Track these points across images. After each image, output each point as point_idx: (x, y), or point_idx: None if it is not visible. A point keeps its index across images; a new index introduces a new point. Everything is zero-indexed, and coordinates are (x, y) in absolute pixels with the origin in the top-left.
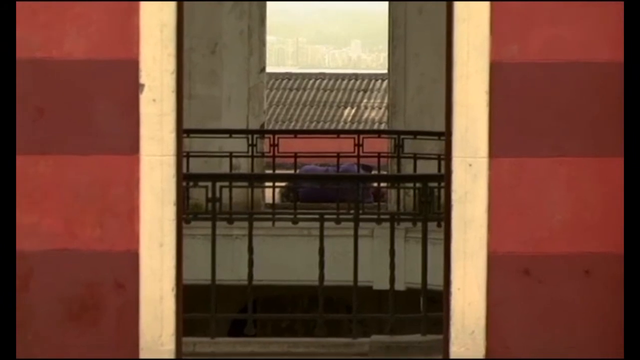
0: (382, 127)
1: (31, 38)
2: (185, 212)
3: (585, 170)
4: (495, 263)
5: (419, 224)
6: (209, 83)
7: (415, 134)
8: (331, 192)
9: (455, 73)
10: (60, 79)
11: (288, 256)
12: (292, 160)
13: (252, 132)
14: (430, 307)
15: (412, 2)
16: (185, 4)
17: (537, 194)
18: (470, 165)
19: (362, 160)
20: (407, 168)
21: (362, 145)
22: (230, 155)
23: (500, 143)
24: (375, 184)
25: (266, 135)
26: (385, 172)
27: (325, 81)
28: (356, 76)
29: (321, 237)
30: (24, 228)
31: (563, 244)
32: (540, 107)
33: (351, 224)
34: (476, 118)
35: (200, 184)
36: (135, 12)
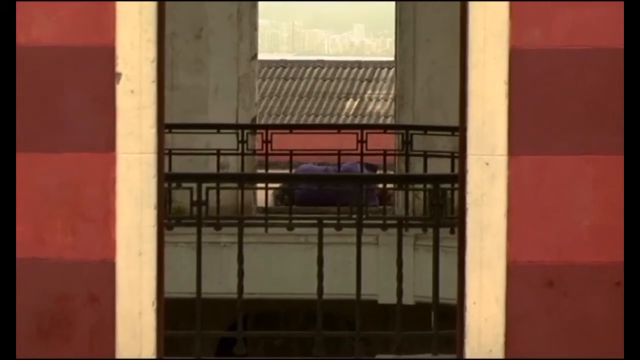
0: (389, 121)
1: None
2: (167, 217)
3: (615, 170)
4: (516, 274)
5: (430, 230)
6: (193, 72)
7: (425, 129)
8: (331, 195)
9: (471, 61)
10: (27, 68)
11: (283, 266)
12: (287, 158)
13: (243, 127)
14: (443, 323)
15: None
16: None
17: (562, 196)
18: (487, 164)
19: (366, 159)
20: (417, 167)
21: (365, 141)
22: (218, 153)
23: (521, 139)
24: (381, 185)
25: (258, 131)
26: (391, 172)
27: (324, 70)
28: (359, 64)
29: (320, 245)
30: None
31: (591, 252)
32: (566, 99)
33: (353, 230)
34: (494, 111)
35: (184, 185)
36: None
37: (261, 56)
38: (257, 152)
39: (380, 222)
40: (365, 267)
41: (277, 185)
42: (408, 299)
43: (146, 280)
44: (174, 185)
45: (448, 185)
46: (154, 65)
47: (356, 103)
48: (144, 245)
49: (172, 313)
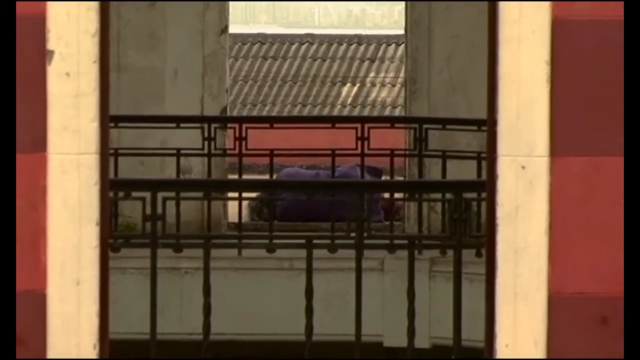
0: (397, 112)
1: None
2: (113, 236)
3: None
4: (560, 308)
5: (450, 253)
6: (146, 49)
7: (444, 122)
8: (323, 207)
9: (502, 35)
10: None
11: (261, 299)
12: (266, 160)
13: (209, 119)
14: None
15: None
16: None
17: (620, 209)
18: (523, 167)
19: (368, 161)
20: (433, 172)
21: (367, 138)
22: (178, 154)
23: (567, 135)
24: (387, 195)
25: (229, 125)
26: (400, 178)
27: (314, 46)
28: (359, 39)
29: (309, 272)
30: None
31: None
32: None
33: (352, 253)
34: (532, 99)
35: (134, 194)
36: None
37: (233, 29)
38: (229, 152)
39: (387, 241)
40: (368, 300)
41: (253, 194)
42: (422, 341)
43: (85, 316)
44: (121, 194)
45: (473, 195)
46: (96, 40)
47: (355, 89)
48: (82, 272)
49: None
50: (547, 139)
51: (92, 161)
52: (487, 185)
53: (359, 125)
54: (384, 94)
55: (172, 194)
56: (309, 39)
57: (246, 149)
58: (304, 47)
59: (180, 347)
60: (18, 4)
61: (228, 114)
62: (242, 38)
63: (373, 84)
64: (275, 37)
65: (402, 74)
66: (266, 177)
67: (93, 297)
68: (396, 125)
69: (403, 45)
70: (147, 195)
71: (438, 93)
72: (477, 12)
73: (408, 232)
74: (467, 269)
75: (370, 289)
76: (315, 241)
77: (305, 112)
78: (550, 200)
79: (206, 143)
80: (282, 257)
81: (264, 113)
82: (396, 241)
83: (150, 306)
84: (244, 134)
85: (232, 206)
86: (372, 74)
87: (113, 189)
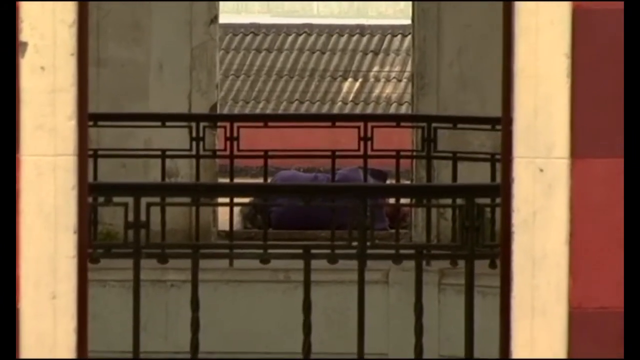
0: (403, 110)
1: None
2: (93, 245)
3: None
4: (581, 324)
5: (461, 264)
6: (129, 41)
7: (454, 121)
8: (322, 213)
9: (518, 26)
10: None
11: (254, 314)
12: (260, 162)
13: (198, 118)
14: None
15: None
16: None
17: None
18: (541, 170)
19: (371, 163)
20: (443, 175)
21: (371, 138)
22: (163, 155)
23: (589, 135)
24: (393, 200)
25: (220, 124)
26: (407, 182)
27: (312, 38)
28: (361, 29)
29: (307, 285)
30: None
31: None
32: None
33: (354, 264)
34: (551, 96)
35: (116, 199)
36: None
37: (224, 19)
38: (219, 153)
39: (392, 251)
40: (371, 316)
41: (246, 200)
42: None
43: (62, 333)
44: (101, 200)
45: (487, 201)
46: (74, 31)
47: (357, 84)
48: (59, 284)
49: None
50: (567, 139)
51: (69, 163)
52: (501, 190)
53: (361, 124)
54: (388, 89)
55: (157, 200)
56: (307, 29)
57: (238, 150)
58: (301, 38)
59: None
60: None
61: (218, 111)
62: (234, 29)
63: (377, 79)
64: (269, 28)
65: (408, 68)
66: (260, 180)
67: (70, 313)
68: (402, 124)
69: (410, 36)
70: (130, 200)
71: (448, 89)
72: (490, 2)
73: (415, 241)
74: (480, 281)
75: (374, 304)
76: (313, 251)
77: (302, 110)
78: (571, 206)
79: (194, 143)
80: (278, 269)
81: (258, 111)
82: (402, 251)
83: (133, 322)
84: (235, 134)
85: (223, 213)
86: (375, 68)
87: (92, 193)
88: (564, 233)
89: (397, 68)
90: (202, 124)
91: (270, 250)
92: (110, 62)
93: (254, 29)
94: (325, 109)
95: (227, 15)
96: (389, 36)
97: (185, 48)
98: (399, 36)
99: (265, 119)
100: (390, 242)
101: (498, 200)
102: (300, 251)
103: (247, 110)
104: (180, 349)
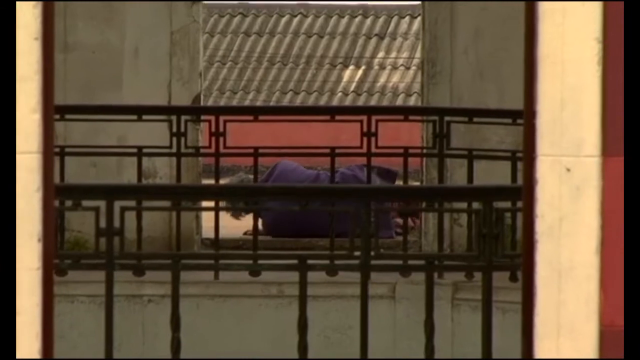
0: (412, 101)
1: None
2: (59, 255)
3: None
4: (612, 344)
5: (478, 276)
6: (100, 23)
7: (470, 113)
8: (320, 219)
9: (543, 6)
10: None
11: (242, 333)
12: (250, 161)
13: (179, 110)
14: None
15: None
16: None
17: None
18: (568, 170)
19: (377, 161)
20: (457, 175)
21: (375, 134)
22: (139, 153)
23: (623, 130)
24: (400, 204)
25: (204, 117)
26: (417, 183)
27: (308, 19)
28: (364, 10)
29: (302, 300)
30: None
31: None
32: None
33: (356, 276)
34: (579, 86)
35: (85, 203)
36: None
37: None
38: (202, 150)
39: (399, 262)
40: (376, 335)
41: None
42: None
43: (25, 355)
44: (69, 203)
45: (507, 204)
46: (37, 12)
47: (360, 72)
48: (21, 300)
49: None
50: (597, 135)
51: (32, 162)
52: (523, 193)
53: (364, 118)
54: (395, 78)
55: (133, 203)
56: (302, 10)
57: (224, 147)
58: (296, 20)
59: None
60: None
61: (202, 103)
62: (219, 9)
63: (382, 67)
64: (260, 8)
65: (417, 54)
66: (250, 181)
67: (34, 332)
68: (411, 117)
69: (419, 18)
70: (102, 204)
71: (463, 78)
72: None
73: (426, 250)
74: (499, 296)
75: (379, 321)
76: (310, 261)
77: (297, 101)
78: (602, 211)
79: (174, 140)
80: (269, 282)
81: (247, 102)
82: (411, 261)
83: (105, 343)
84: (221, 129)
85: (208, 218)
86: (380, 54)
87: (59, 196)
88: (595, 241)
89: (404, 54)
90: (183, 118)
91: (260, 261)
92: (79, 47)
93: (243, 10)
94: (323, 101)
95: None
96: (395, 18)
97: (164, 31)
98: (407, 18)
99: (255, 112)
100: (398, 252)
101: (519, 204)
102: (295, 262)
103: (234, 102)
104: None
